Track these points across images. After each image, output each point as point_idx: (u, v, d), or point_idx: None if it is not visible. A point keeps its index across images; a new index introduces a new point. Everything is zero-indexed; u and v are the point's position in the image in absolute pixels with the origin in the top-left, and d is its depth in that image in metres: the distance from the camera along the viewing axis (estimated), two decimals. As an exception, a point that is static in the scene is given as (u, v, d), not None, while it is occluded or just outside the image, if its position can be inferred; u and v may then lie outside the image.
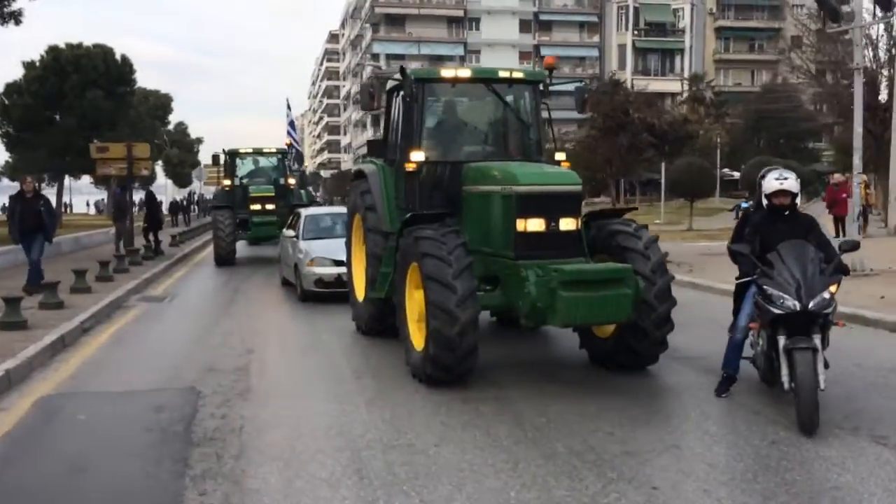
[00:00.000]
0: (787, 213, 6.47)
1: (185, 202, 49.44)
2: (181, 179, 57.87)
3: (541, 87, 9.17)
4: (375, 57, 79.73)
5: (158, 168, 50.73)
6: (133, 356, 9.32)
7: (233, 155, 22.64)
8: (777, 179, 6.44)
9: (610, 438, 5.75)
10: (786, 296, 5.77)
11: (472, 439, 5.79)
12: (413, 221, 7.88)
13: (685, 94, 63.17)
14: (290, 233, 14.50)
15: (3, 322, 9.86)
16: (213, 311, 12.94)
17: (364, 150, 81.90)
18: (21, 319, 10.12)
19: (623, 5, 79.33)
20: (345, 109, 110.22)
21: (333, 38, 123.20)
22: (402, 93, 8.85)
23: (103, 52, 34.32)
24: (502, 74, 9.01)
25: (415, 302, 7.64)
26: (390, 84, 8.91)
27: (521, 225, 7.26)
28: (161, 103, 52.76)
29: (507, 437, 5.84)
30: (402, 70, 8.71)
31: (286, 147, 24.96)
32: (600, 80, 77.35)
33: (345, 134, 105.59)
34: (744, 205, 21.07)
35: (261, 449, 5.76)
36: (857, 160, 14.59)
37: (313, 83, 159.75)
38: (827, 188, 25.57)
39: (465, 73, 8.96)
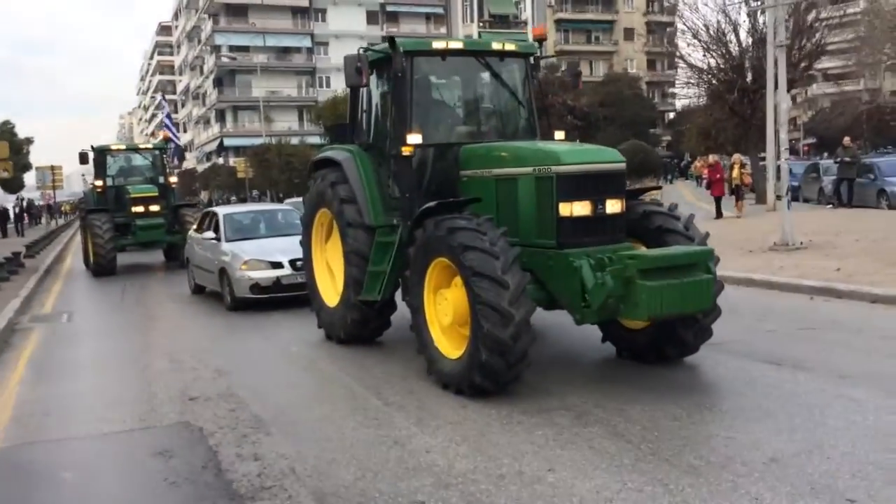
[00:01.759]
0: None
1: (17, 209, 44.54)
2: (10, 184, 52.07)
3: (531, 61, 8.50)
4: (217, 49, 75.78)
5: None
6: (75, 390, 7.74)
7: (103, 152, 20.26)
8: None
9: (734, 443, 5.18)
10: None
11: (583, 459, 5.03)
12: (433, 211, 6.96)
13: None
14: (209, 234, 12.94)
15: None
16: (130, 328, 11.27)
17: (211, 148, 78.26)
18: (-85, 356, 8.22)
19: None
20: (183, 105, 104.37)
21: (165, 30, 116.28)
22: (389, 68, 7.85)
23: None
24: (495, 46, 8.23)
25: (447, 302, 6.73)
26: (371, 57, 7.87)
27: (564, 209, 6.54)
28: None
29: (618, 452, 5.11)
30: (392, 41, 7.73)
31: (164, 142, 22.67)
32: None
33: (185, 131, 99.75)
34: None
35: (339, 495, 4.71)
36: (782, 135, 14.98)
37: (142, 78, 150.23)
38: (707, 170, 26.70)
39: (456, 44, 8.09)
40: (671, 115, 78.54)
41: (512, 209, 7.04)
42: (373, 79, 8.40)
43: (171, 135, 29.58)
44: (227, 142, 75.36)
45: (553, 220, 6.62)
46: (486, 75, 8.38)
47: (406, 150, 7.67)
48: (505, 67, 8.35)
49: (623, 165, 6.81)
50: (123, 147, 21.13)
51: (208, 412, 6.62)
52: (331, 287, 9.48)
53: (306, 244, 9.76)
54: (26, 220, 48.97)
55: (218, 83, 76.70)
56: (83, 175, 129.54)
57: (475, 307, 6.20)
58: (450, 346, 6.86)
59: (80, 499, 4.99)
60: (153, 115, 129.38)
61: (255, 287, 11.69)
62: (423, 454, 5.29)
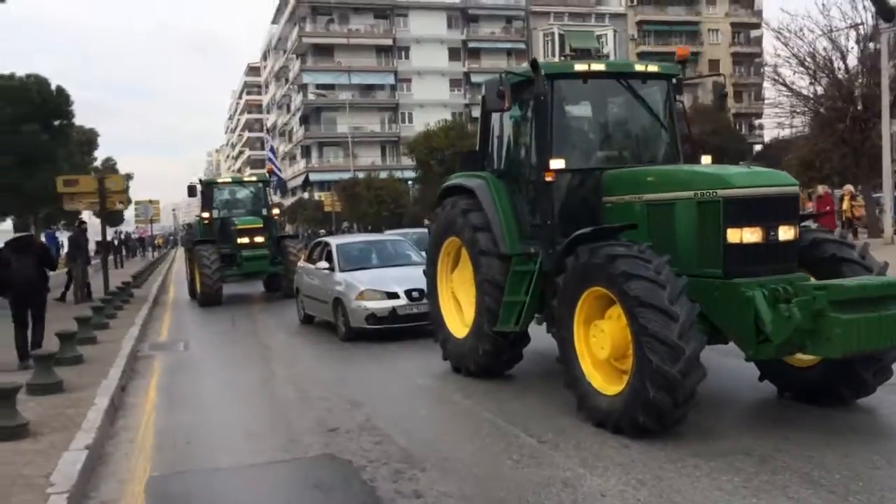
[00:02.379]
0: None
1: (116, 242, 46.15)
2: (112, 218, 54.38)
3: (674, 82, 8.13)
4: (304, 87, 77.97)
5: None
6: (210, 419, 7.65)
7: (210, 185, 20.75)
8: None
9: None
10: None
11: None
12: (585, 238, 6.62)
13: None
14: (323, 265, 12.90)
15: (35, 385, 8.02)
16: (248, 358, 11.25)
17: (297, 183, 79.61)
18: (56, 380, 8.30)
19: (548, 32, 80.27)
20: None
21: (253, 70, 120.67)
22: (527, 92, 7.62)
23: (38, 83, 31.61)
24: (637, 68, 7.92)
25: (603, 335, 6.35)
26: (510, 81, 7.63)
27: (733, 236, 6.11)
28: (87, 138, 49.40)
29: None
30: (534, 63, 7.50)
31: (267, 175, 23.13)
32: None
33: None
34: None
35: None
36: (886, 163, 14.13)
37: (230, 117, 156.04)
38: (815, 202, 25.56)
39: (598, 66, 7.80)
40: (758, 146, 76.34)
41: (668, 236, 6.64)
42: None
43: (274, 168, 30.19)
44: (313, 177, 76.97)
45: (719, 247, 6.19)
46: (626, 98, 8.04)
47: (548, 177, 7.39)
48: (647, 90, 8.01)
49: (796, 189, 6.35)
50: (229, 180, 21.60)
51: (352, 445, 6.38)
52: (457, 318, 9.22)
53: (431, 274, 9.55)
54: (124, 253, 50.86)
55: (304, 120, 78.66)
56: (173, 210, 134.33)
57: (640, 340, 5.80)
58: (604, 381, 6.46)
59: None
60: (240, 153, 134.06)
61: (371, 317, 11.54)
62: (599, 498, 4.89)
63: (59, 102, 32.20)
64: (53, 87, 32.82)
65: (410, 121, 78.20)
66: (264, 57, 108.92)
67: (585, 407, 6.53)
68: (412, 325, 11.74)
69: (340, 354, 11.00)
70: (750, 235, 6.10)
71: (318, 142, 78.35)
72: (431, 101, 76.92)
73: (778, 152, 55.05)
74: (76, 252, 18.81)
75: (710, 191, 6.27)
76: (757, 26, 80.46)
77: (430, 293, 9.56)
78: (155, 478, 5.82)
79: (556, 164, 7.38)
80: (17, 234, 11.71)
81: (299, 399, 8.23)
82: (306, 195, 77.09)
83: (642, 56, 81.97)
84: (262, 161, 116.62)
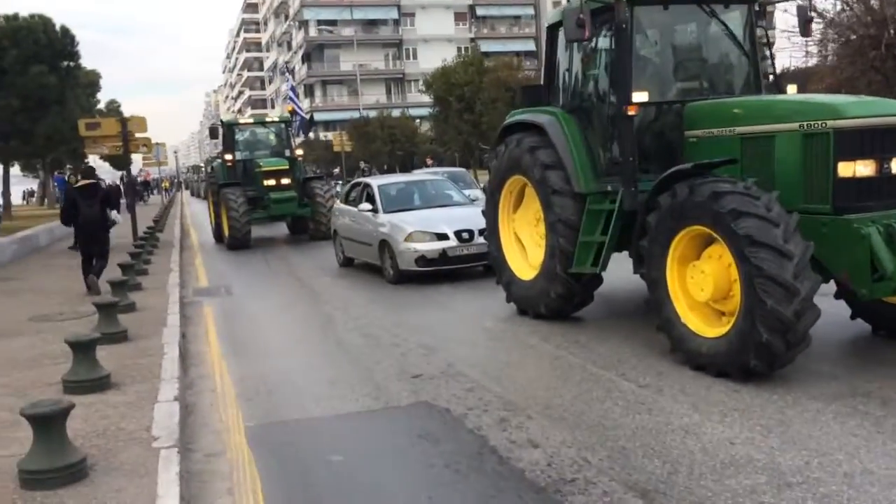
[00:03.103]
0: None
1: (122, 184, 45.51)
2: (117, 161, 53.84)
3: (756, 8, 7.71)
4: (305, 24, 76.24)
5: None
6: (285, 367, 7.48)
7: (231, 126, 20.30)
8: None
9: None
10: None
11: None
12: (683, 174, 6.33)
13: None
14: (365, 206, 12.61)
15: (102, 335, 7.83)
16: (299, 302, 11.09)
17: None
18: (121, 329, 8.14)
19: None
20: (270, 82, 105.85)
21: (251, 7, 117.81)
22: (609, 20, 7.21)
23: (42, 23, 30.68)
24: (720, -7, 7.49)
25: (703, 276, 6.12)
26: (588, 8, 7.18)
27: (845, 169, 5.82)
28: (90, 80, 48.47)
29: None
30: (615, -12, 7.05)
31: (289, 115, 22.62)
32: (536, 39, 76.87)
33: (273, 107, 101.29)
34: None
35: (664, 492, 4.20)
36: None
37: (227, 56, 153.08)
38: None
39: (682, -11, 7.38)
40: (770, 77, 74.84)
41: (767, 171, 6.34)
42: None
43: (296, 107, 29.60)
44: (317, 116, 75.63)
45: (828, 182, 5.91)
46: (707, 25, 7.64)
47: (630, 111, 7.06)
48: (728, 16, 7.60)
49: (909, 119, 6.01)
50: (251, 121, 21.14)
51: (443, 391, 6.23)
52: (521, 259, 9.00)
53: (491, 214, 9.28)
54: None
55: (306, 58, 77.13)
56: (175, 152, 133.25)
57: (752, 281, 5.57)
58: (702, 323, 6.26)
59: (369, 487, 4.63)
60: (239, 93, 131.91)
61: (421, 260, 11.32)
62: (729, 446, 4.73)
63: (65, 43, 31.35)
64: (58, 27, 31.99)
65: (415, 56, 76.71)
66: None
67: (682, 350, 6.34)
68: (463, 266, 11.55)
69: (394, 297, 10.82)
70: (863, 169, 5.81)
71: (321, 80, 76.97)
72: (436, 35, 75.29)
73: (791, 81, 53.88)
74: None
75: (819, 122, 5.94)
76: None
77: (491, 234, 9.31)
78: (252, 428, 5.68)
79: (639, 97, 7.04)
80: (85, 181, 12.24)
81: (369, 344, 8.07)
82: (311, 135, 76.18)
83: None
84: (262, 101, 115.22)
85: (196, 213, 38.14)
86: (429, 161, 39.42)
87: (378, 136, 41.63)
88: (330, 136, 56.57)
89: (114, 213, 12.39)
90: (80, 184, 12.33)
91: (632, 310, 8.84)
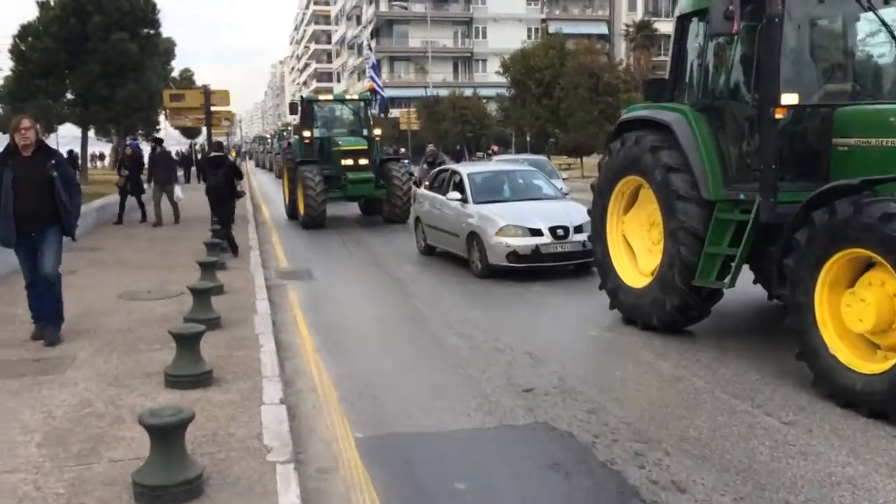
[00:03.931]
0: None
1: (199, 155, 45.94)
2: (189, 130, 54.64)
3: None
4: (375, -1, 75.88)
5: (161, 117, 47.30)
6: (382, 368, 7.13)
7: (311, 103, 20.06)
8: None
9: None
10: None
11: None
12: (838, 191, 5.72)
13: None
14: (454, 195, 12.18)
15: (195, 320, 7.60)
16: (384, 291, 10.77)
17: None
18: (215, 315, 7.91)
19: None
20: (337, 55, 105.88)
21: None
22: (758, 12, 6.57)
23: (125, -10, 31.03)
24: (885, -16, 6.79)
25: (863, 305, 5.52)
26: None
27: None
28: (165, 48, 49.06)
29: None
30: (768, -23, 6.40)
31: (368, 93, 22.31)
32: (609, 22, 75.04)
33: (339, 81, 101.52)
34: None
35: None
36: None
37: (296, 28, 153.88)
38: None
39: (843, -20, 6.71)
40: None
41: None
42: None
43: (375, 86, 29.29)
44: (384, 93, 75.64)
45: None
46: (865, 21, 6.94)
47: (778, 113, 6.44)
48: (889, 11, 6.88)
49: None
50: (331, 98, 20.89)
51: (562, 412, 5.79)
52: (630, 265, 8.47)
53: (598, 215, 8.76)
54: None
55: (375, 33, 76.81)
56: (240, 121, 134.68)
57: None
58: (855, 356, 5.68)
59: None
60: (306, 65, 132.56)
61: (513, 255, 10.85)
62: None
63: (146, 11, 31.62)
64: (139, -6, 32.24)
65: (484, 35, 75.69)
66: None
67: (829, 384, 5.76)
68: (556, 264, 11.06)
69: (484, 293, 10.39)
70: None
71: (389, 56, 76.56)
72: (507, 14, 74.12)
73: None
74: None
75: None
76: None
77: (597, 236, 8.79)
78: (363, 440, 5.34)
79: (789, 98, 6.42)
80: (214, 153, 14.45)
81: (470, 347, 7.67)
82: (376, 111, 75.94)
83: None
84: (328, 74, 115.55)
85: (263, 186, 38.28)
86: (495, 147, 38.76)
87: (448, 115, 41.09)
88: (396, 113, 56.24)
89: (239, 184, 14.46)
90: (210, 155, 14.64)
91: (748, 326, 8.28)
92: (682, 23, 7.85)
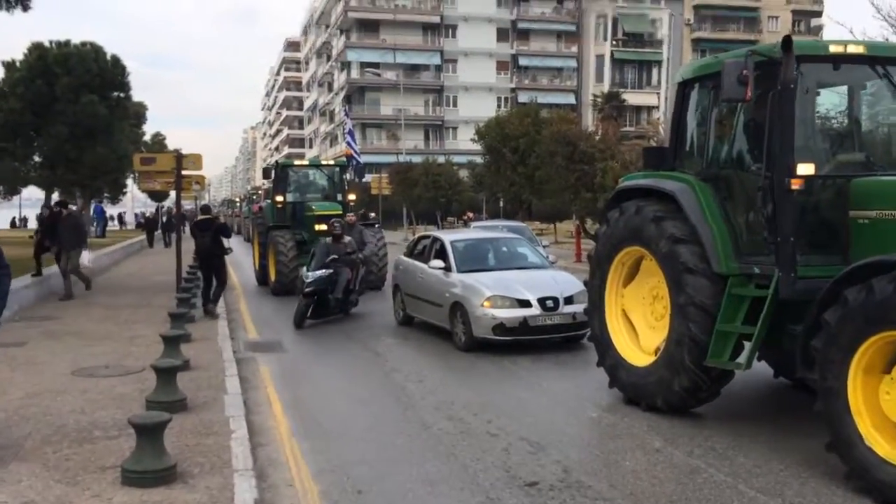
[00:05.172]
0: None
1: (165, 218, 44.89)
2: (157, 193, 53.85)
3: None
4: (348, 65, 76.64)
5: (129, 181, 46.53)
6: (366, 456, 6.43)
7: (285, 168, 19.60)
8: None
9: None
10: None
11: None
12: (874, 268, 5.28)
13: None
14: (437, 263, 11.63)
15: (157, 402, 6.86)
16: (365, 369, 10.06)
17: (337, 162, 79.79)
18: (180, 397, 7.17)
19: (602, 15, 78.22)
20: (309, 122, 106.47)
21: (292, 45, 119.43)
22: (771, 78, 6.24)
23: (94, 52, 30.52)
24: (901, 52, 6.52)
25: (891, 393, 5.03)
26: (752, 62, 6.19)
27: None
28: (136, 111, 48.62)
29: None
30: (787, 41, 6.06)
31: (345, 158, 21.93)
32: (577, 92, 76.49)
33: (311, 147, 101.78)
34: None
35: None
36: None
37: (267, 94, 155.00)
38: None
39: (856, 49, 6.41)
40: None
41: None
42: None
43: (353, 151, 28.96)
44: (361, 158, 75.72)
45: None
46: (880, 88, 6.67)
47: (794, 184, 6.06)
48: (899, 79, 6.62)
49: None
50: (306, 163, 20.50)
51: (578, 512, 5.16)
52: (630, 341, 7.96)
53: (596, 286, 8.26)
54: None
55: (348, 100, 77.37)
56: (208, 184, 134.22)
57: None
58: (890, 446, 5.15)
59: None
60: (278, 131, 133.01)
61: (499, 328, 10.29)
62: None
63: (115, 73, 31.25)
64: (109, 56, 31.88)
65: (455, 104, 76.57)
66: (305, 32, 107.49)
67: (866, 479, 5.22)
68: (544, 337, 10.51)
69: (470, 369, 9.77)
70: None
71: (361, 122, 76.92)
72: (477, 84, 75.28)
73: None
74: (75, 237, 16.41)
75: None
76: (819, 14, 77.68)
77: (594, 309, 8.27)
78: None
79: (805, 169, 6.07)
80: (203, 217, 14.91)
81: (461, 432, 7.01)
82: (348, 177, 75.81)
83: (698, 43, 79.26)
84: (300, 140, 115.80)
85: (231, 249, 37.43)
86: (470, 214, 38.51)
87: (421, 181, 40.98)
88: (369, 178, 56.11)
89: (226, 241, 14.61)
90: (197, 219, 15.17)
91: (758, 407, 7.79)
92: (684, 89, 7.53)
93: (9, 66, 30.01)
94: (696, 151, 7.39)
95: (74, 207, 16.60)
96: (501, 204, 39.18)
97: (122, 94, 31.59)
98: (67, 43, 30.80)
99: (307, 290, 12.92)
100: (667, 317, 7.29)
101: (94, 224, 42.16)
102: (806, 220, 6.45)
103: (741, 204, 6.85)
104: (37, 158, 31.44)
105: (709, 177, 7.09)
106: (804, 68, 6.26)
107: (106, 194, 47.28)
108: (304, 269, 13.27)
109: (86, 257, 15.69)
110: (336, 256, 13.22)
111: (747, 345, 6.68)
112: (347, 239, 13.94)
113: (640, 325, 7.90)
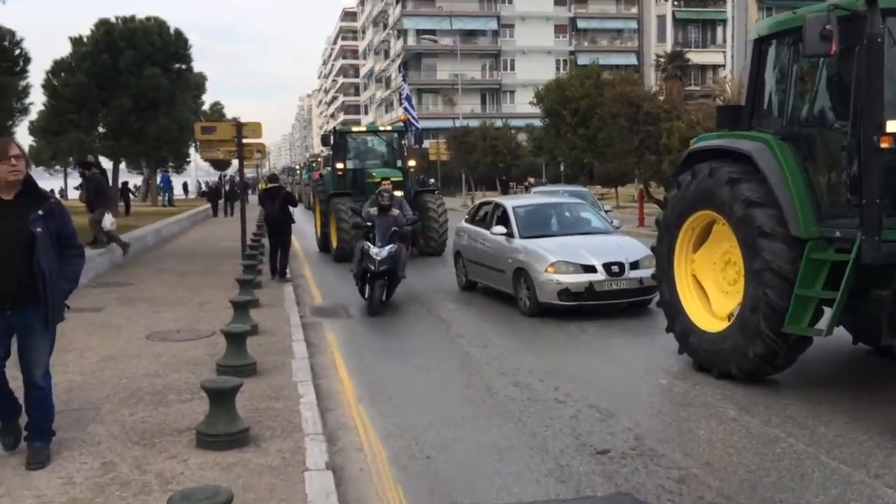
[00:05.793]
0: None
1: (227, 187, 45.50)
2: (219, 163, 54.80)
3: None
4: (404, 33, 76.31)
5: (192, 150, 47.40)
6: (432, 421, 6.42)
7: (344, 134, 19.64)
8: None
9: None
10: None
11: None
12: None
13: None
14: (499, 229, 11.52)
15: (228, 367, 6.99)
16: (428, 334, 10.08)
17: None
18: (250, 361, 7.29)
19: (666, -29, 75.77)
20: (365, 88, 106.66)
21: (349, 15, 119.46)
22: (856, 33, 5.89)
23: (157, 26, 31.04)
24: None
25: None
26: (835, 16, 5.84)
27: None
28: (196, 82, 49.35)
29: None
30: (870, -6, 5.71)
31: (402, 124, 21.88)
32: (638, 53, 74.64)
33: (366, 113, 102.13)
34: None
35: None
36: None
37: (324, 62, 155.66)
38: None
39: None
40: None
41: None
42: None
43: (410, 117, 28.95)
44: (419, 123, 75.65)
45: None
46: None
47: (884, 142, 5.74)
48: None
49: None
50: (364, 129, 20.46)
51: (645, 479, 5.06)
52: (700, 307, 7.74)
53: (665, 252, 8.04)
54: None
55: (404, 66, 77.08)
56: (269, 153, 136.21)
57: None
58: None
59: None
60: (333, 98, 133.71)
61: (564, 293, 10.15)
62: None
63: (178, 46, 31.72)
64: (172, 30, 32.38)
65: (512, 68, 75.63)
66: (361, 2, 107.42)
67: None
68: (610, 302, 10.34)
69: (535, 335, 9.68)
70: None
71: (417, 88, 76.61)
72: (535, 47, 74.12)
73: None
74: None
75: None
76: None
77: (664, 275, 8.06)
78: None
79: (895, 126, 5.71)
80: (271, 185, 15.53)
81: (528, 399, 6.94)
82: (405, 143, 75.82)
83: (763, 0, 76.10)
84: (356, 107, 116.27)
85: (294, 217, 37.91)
86: (531, 180, 38.04)
87: (479, 146, 40.63)
88: (426, 144, 56.05)
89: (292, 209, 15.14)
90: (266, 187, 15.69)
91: (837, 375, 7.50)
92: (760, 46, 7.18)
93: (76, 41, 30.73)
94: (775, 110, 7.07)
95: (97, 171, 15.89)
96: (562, 168, 38.56)
97: (183, 66, 32.05)
98: (133, 18, 31.36)
99: (381, 268, 11.12)
100: (740, 282, 7.07)
101: (162, 193, 43.15)
102: (893, 181, 6.13)
103: (823, 164, 6.54)
104: (101, 129, 32.19)
105: (788, 136, 6.77)
106: (890, 22, 5.89)
107: (171, 164, 48.22)
108: (366, 243, 11.45)
109: (108, 220, 15.11)
110: (396, 229, 11.74)
111: (827, 311, 6.44)
112: (396, 212, 11.99)
113: (712, 290, 7.67)
